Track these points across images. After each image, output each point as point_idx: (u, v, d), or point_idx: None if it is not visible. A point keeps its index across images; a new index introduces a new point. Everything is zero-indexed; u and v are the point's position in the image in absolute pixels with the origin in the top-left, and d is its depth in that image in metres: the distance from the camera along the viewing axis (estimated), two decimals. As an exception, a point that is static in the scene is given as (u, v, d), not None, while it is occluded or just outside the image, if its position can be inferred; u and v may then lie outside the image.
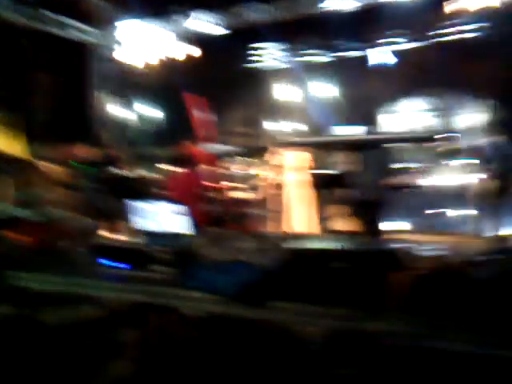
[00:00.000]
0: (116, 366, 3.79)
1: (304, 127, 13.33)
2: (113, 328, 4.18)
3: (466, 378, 3.04)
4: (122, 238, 3.72)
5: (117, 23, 10.78)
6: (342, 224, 4.28)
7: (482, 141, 6.72)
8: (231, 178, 8.32)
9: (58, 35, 10.12)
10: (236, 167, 8.42)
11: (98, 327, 4.15)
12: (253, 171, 6.55)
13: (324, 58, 11.96)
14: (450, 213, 8.82)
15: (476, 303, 2.30)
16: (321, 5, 8.93)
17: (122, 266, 3.21)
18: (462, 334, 2.30)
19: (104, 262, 3.26)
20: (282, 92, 10.65)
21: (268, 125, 12.44)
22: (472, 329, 2.27)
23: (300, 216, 7.01)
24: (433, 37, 11.25)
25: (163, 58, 10.37)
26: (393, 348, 3.20)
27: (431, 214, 8.84)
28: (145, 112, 11.88)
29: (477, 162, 6.36)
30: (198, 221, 5.01)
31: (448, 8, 7.76)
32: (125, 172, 6.85)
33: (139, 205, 3.50)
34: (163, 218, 3.40)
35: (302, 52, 11.95)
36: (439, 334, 2.34)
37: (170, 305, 3.27)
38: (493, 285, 2.42)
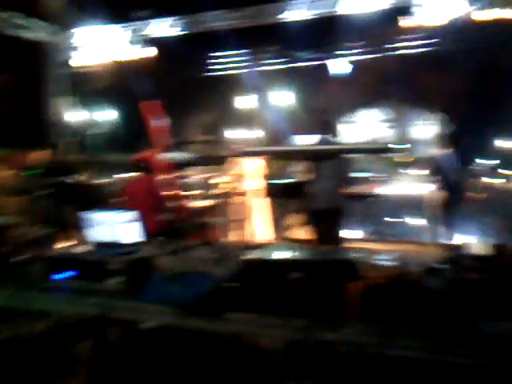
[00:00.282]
0: (69, 381, 3.66)
1: (263, 136, 13.41)
2: (66, 342, 4.04)
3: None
4: (75, 248, 3.59)
5: (75, 26, 10.54)
6: (300, 233, 4.29)
7: (434, 152, 6.94)
8: (189, 186, 8.25)
9: (11, 35, 9.77)
10: (194, 175, 8.37)
11: (50, 342, 4.00)
12: (211, 180, 6.51)
13: (283, 66, 12.11)
14: (406, 222, 9.07)
15: (429, 311, 2.34)
16: (281, 14, 9.01)
17: (74, 277, 3.09)
18: (418, 342, 2.33)
19: (56, 273, 3.13)
20: (241, 100, 10.68)
21: (228, 133, 12.44)
22: (426, 336, 2.30)
23: (258, 225, 7.00)
24: (388, 50, 11.58)
25: (121, 63, 10.20)
26: (350, 357, 3.23)
27: (387, 222, 9.07)
28: (102, 118, 11.65)
29: (429, 172, 6.56)
30: (154, 230, 4.92)
31: (403, 22, 7.99)
32: (80, 179, 6.66)
33: (93, 213, 3.39)
34: (118, 227, 3.30)
35: (261, 60, 12.04)
36: (395, 343, 2.36)
37: (124, 317, 3.18)
38: (445, 293, 2.48)
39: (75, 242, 5.81)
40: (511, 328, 2.29)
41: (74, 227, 6.08)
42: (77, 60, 10.36)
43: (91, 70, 10.47)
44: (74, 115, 11.09)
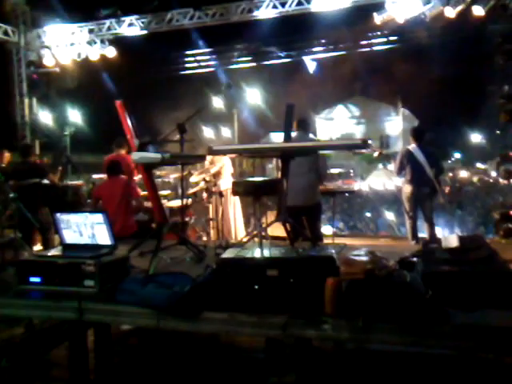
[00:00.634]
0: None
1: (237, 134, 13.41)
2: (42, 347, 3.96)
3: (400, 377, 3.17)
4: (48, 251, 3.51)
5: (42, 26, 10.31)
6: (277, 231, 4.30)
7: (404, 146, 7.05)
8: (163, 185, 8.18)
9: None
10: (168, 175, 8.31)
11: (26, 347, 3.92)
12: (186, 178, 6.46)
13: (254, 64, 12.11)
14: (381, 216, 9.23)
15: (404, 304, 2.38)
16: (251, 13, 9.01)
17: (47, 281, 3.02)
18: (394, 336, 2.37)
19: (29, 278, 3.06)
20: (214, 99, 10.65)
21: (202, 132, 12.38)
22: (402, 330, 2.33)
23: (234, 224, 7.01)
24: (359, 46, 11.71)
25: (89, 62, 10.03)
26: (330, 353, 3.26)
27: (363, 217, 9.22)
28: (71, 118, 11.42)
29: (398, 166, 6.64)
30: (128, 231, 4.87)
31: (377, 19, 8.08)
32: (52, 181, 6.52)
33: (66, 216, 3.32)
34: (91, 228, 3.24)
35: (233, 58, 12.02)
36: (371, 337, 2.39)
37: (100, 320, 3.13)
38: (419, 286, 2.52)
39: (49, 246, 5.72)
40: (483, 318, 2.34)
41: (45, 230, 5.99)
42: (44, 59, 10.14)
43: (59, 70, 10.25)
44: (43, 116, 10.85)
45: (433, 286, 2.50)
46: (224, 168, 6.94)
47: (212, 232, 6.88)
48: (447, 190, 9.27)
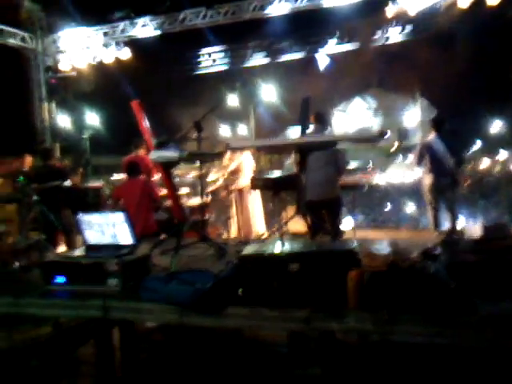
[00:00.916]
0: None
1: (254, 131, 13.40)
2: (69, 346, 4.03)
3: (425, 369, 3.13)
4: (71, 252, 3.57)
5: (57, 30, 10.46)
6: (297, 226, 4.29)
7: (422, 138, 6.96)
8: (182, 184, 8.23)
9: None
10: (186, 173, 8.35)
11: (54, 346, 4.00)
12: (204, 176, 6.50)
13: (268, 61, 12.07)
14: (402, 209, 9.13)
15: (428, 296, 2.35)
16: (263, 10, 8.99)
17: (72, 281, 3.07)
18: (418, 327, 2.34)
19: (53, 278, 3.11)
20: (229, 96, 10.65)
21: (219, 129, 12.41)
22: (426, 321, 2.31)
23: (254, 220, 7.02)
24: (372, 40, 11.58)
25: (105, 65, 10.14)
26: (355, 346, 3.24)
27: (384, 211, 9.12)
28: (90, 121, 11.56)
29: (417, 157, 6.56)
30: (149, 230, 4.91)
31: (388, 12, 8.00)
32: (73, 183, 6.62)
33: (88, 217, 3.36)
34: (113, 228, 3.28)
35: (246, 56, 12.00)
36: (396, 329, 2.37)
37: (124, 318, 3.17)
38: (443, 276, 2.49)
39: (73, 246, 5.81)
40: (510, 308, 2.30)
41: (68, 231, 6.09)
42: (60, 64, 10.29)
43: (75, 74, 10.40)
44: (61, 119, 11.01)
45: (458, 277, 2.47)
46: (242, 165, 6.94)
47: (232, 229, 6.90)
48: (468, 180, 9.11)
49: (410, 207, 9.06)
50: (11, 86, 10.51)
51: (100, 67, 10.26)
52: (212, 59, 11.97)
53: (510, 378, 2.78)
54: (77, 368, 3.90)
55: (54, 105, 10.89)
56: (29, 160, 7.45)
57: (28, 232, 4.98)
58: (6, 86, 10.27)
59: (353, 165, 8.11)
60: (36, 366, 3.53)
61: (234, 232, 6.81)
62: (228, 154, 6.52)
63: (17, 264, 3.81)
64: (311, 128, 5.05)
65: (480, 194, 8.66)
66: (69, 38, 10.27)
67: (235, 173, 6.95)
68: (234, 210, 6.81)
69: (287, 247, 2.85)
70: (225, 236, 6.83)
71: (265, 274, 2.65)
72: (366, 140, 3.61)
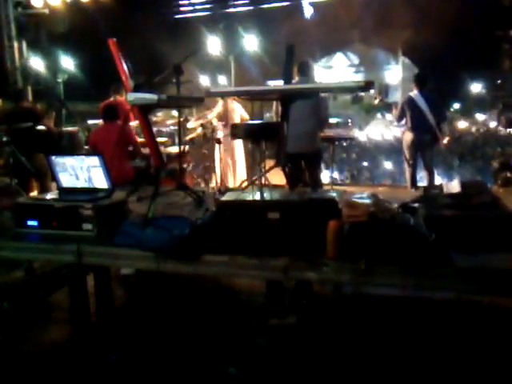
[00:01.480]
0: (48, 329, 3.65)
1: (233, 81, 13.10)
2: (42, 290, 3.99)
3: (401, 322, 3.21)
4: (45, 195, 3.46)
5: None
6: (277, 178, 4.24)
7: (403, 94, 6.90)
8: (161, 133, 8.05)
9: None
10: (165, 120, 8.16)
11: (27, 290, 3.95)
12: (185, 124, 6.35)
13: (250, 8, 11.68)
14: (382, 165, 9.19)
15: (406, 248, 2.36)
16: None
17: (45, 225, 2.99)
18: (395, 278, 2.36)
19: (27, 221, 3.02)
20: (210, 41, 10.31)
21: (199, 78, 12.09)
22: (403, 273, 2.32)
23: (233, 169, 6.95)
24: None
25: (82, 3, 9.63)
26: (331, 296, 3.29)
27: (364, 166, 9.18)
28: (65, 64, 11.09)
29: (398, 113, 6.53)
30: (126, 176, 4.81)
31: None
32: (46, 126, 6.38)
33: (62, 159, 3.24)
34: (87, 172, 3.18)
35: (226, 1, 11.57)
36: (372, 280, 2.38)
37: (99, 264, 3.13)
38: (421, 229, 2.50)
39: (46, 190, 5.67)
40: (486, 261, 2.33)
41: (42, 176, 5.91)
42: (32, 0, 9.71)
43: (48, 12, 9.84)
44: (34, 62, 10.51)
45: (436, 230, 2.48)
46: (223, 112, 6.80)
47: (211, 178, 6.82)
48: (446, 139, 9.18)
49: (388, 165, 9.12)
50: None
51: (75, 6, 9.72)
52: (191, 3, 11.51)
53: (478, 332, 2.87)
54: (50, 313, 3.88)
55: (25, 45, 10.36)
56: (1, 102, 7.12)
57: (1, 176, 4.81)
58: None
59: (332, 121, 8.04)
60: (8, 308, 3.48)
61: (212, 181, 6.75)
62: (211, 100, 6.37)
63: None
64: (294, 80, 4.92)
65: (457, 152, 8.75)
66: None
67: (217, 120, 6.82)
68: (213, 159, 6.71)
69: (267, 196, 2.81)
70: (203, 185, 6.77)
71: (243, 222, 2.61)
72: (352, 90, 3.53)
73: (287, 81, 3.56)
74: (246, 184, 3.83)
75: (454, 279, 2.29)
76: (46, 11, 9.65)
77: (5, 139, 4.23)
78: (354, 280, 2.40)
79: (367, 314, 3.23)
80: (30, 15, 9.89)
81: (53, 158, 3.24)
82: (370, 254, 2.36)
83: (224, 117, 6.88)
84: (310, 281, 2.76)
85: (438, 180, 7.16)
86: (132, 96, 3.40)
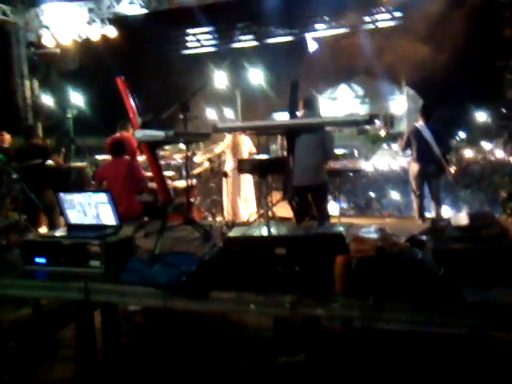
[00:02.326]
0: (55, 366, 3.61)
1: (240, 114, 13.28)
2: (50, 327, 3.97)
3: (411, 357, 3.14)
4: (52, 232, 3.49)
5: (40, 4, 10.13)
6: (283, 211, 4.25)
7: (409, 125, 6.95)
8: (167, 166, 8.11)
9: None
10: (173, 154, 8.24)
11: (34, 328, 3.93)
12: (191, 158, 6.40)
13: (255, 43, 11.92)
14: (389, 196, 9.17)
15: (415, 283, 2.34)
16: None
17: (53, 262, 3.00)
18: (404, 314, 2.33)
19: (34, 258, 3.03)
20: (217, 76, 10.50)
21: (205, 112, 12.26)
22: (412, 308, 2.29)
23: (240, 203, 6.96)
24: (363, 23, 11.50)
25: (92, 43, 9.89)
26: (340, 332, 3.23)
27: (371, 197, 9.15)
28: (74, 100, 11.32)
29: (403, 145, 6.57)
30: (133, 212, 4.83)
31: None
32: (55, 163, 6.47)
33: (70, 196, 3.28)
34: (95, 208, 3.20)
35: (231, 37, 11.83)
36: (381, 316, 2.35)
37: (107, 301, 3.11)
38: (430, 264, 2.47)
39: (53, 227, 5.70)
40: (497, 296, 2.30)
41: (50, 211, 5.96)
42: (43, 39, 9.99)
43: (59, 51, 10.11)
44: (44, 98, 10.74)
45: (445, 264, 2.45)
46: (230, 147, 6.85)
47: (218, 212, 6.83)
48: (453, 169, 9.18)
49: (395, 195, 9.11)
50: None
51: (85, 45, 9.99)
52: (198, 39, 11.79)
53: (492, 367, 2.80)
54: (57, 351, 3.84)
55: (36, 82, 10.61)
56: (8, 138, 7.25)
57: (8, 212, 4.85)
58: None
59: (338, 152, 8.08)
60: (15, 347, 3.46)
61: (220, 215, 6.75)
62: (218, 135, 6.44)
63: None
64: (300, 113, 4.98)
65: (464, 182, 8.73)
66: (52, 12, 9.95)
67: (224, 154, 6.86)
68: (221, 193, 6.74)
69: (274, 231, 2.80)
70: (210, 219, 6.77)
71: (250, 258, 2.60)
72: (357, 123, 3.56)
73: (292, 115, 3.61)
74: (253, 217, 3.84)
75: (465, 314, 2.26)
76: (58, 51, 9.91)
77: (15, 176, 4.29)
78: (363, 316, 2.37)
79: (378, 349, 3.17)
80: (42, 54, 10.15)
81: (61, 194, 3.27)
82: (378, 289, 2.33)
83: (233, 150, 6.93)
84: (318, 317, 2.72)
85: (446, 210, 7.13)
86: (140, 133, 3.45)
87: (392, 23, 11.44)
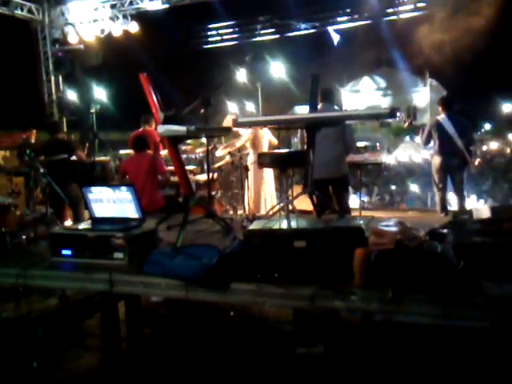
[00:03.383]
0: (81, 355, 3.72)
1: (261, 108, 13.30)
2: (74, 318, 4.09)
3: (430, 350, 3.14)
4: (78, 225, 3.58)
5: (65, 2, 10.32)
6: (304, 204, 4.26)
7: (432, 117, 6.86)
8: (190, 160, 8.21)
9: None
10: (195, 149, 8.33)
11: (61, 318, 4.06)
12: (212, 153, 6.46)
13: (276, 36, 11.88)
14: (410, 189, 9.08)
15: (435, 276, 2.34)
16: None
17: (78, 254, 3.08)
18: (424, 307, 2.33)
19: (60, 251, 3.12)
20: (237, 72, 10.53)
21: (227, 106, 12.34)
22: (432, 301, 2.30)
23: (261, 196, 7.00)
24: (386, 14, 11.36)
25: (115, 39, 10.03)
26: (358, 325, 3.25)
27: (392, 190, 9.08)
28: (98, 95, 11.50)
29: (426, 137, 6.49)
30: (156, 204, 4.91)
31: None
32: (79, 157, 6.61)
33: (94, 190, 3.36)
34: (119, 202, 3.28)
35: (254, 31, 11.81)
36: (401, 308, 2.36)
37: (130, 292, 3.19)
38: (450, 257, 2.47)
39: (78, 219, 5.84)
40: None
41: (75, 205, 6.11)
42: (68, 37, 10.18)
43: (83, 47, 10.28)
44: (69, 94, 10.95)
45: (465, 258, 2.44)
46: (251, 140, 6.88)
47: (239, 205, 6.88)
48: (478, 161, 9.02)
49: (417, 188, 9.02)
50: (18, 58, 10.45)
51: (108, 40, 10.14)
52: (220, 34, 11.82)
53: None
54: (83, 340, 3.96)
55: (61, 79, 10.81)
56: (34, 134, 7.43)
57: (35, 205, 4.99)
58: (13, 58, 10.22)
59: (360, 144, 8.04)
60: (42, 336, 3.57)
61: (241, 208, 6.80)
62: (239, 129, 6.46)
63: (23, 236, 3.83)
64: (319, 105, 4.97)
65: (489, 175, 8.58)
66: (76, 10, 10.13)
67: (245, 148, 6.89)
68: (242, 186, 6.78)
69: (294, 224, 2.83)
70: (231, 213, 6.83)
71: (271, 251, 2.64)
72: (377, 117, 3.54)
73: (313, 109, 3.62)
74: (274, 211, 3.87)
75: (486, 308, 2.25)
76: (81, 47, 10.08)
77: (42, 171, 4.41)
78: (381, 308, 2.38)
79: (398, 341, 3.17)
80: (66, 51, 10.34)
81: (86, 188, 3.35)
82: (397, 282, 2.34)
83: (254, 143, 6.96)
84: (337, 309, 2.74)
85: (469, 204, 7.03)
86: (162, 128, 3.51)
87: (415, 13, 11.26)
